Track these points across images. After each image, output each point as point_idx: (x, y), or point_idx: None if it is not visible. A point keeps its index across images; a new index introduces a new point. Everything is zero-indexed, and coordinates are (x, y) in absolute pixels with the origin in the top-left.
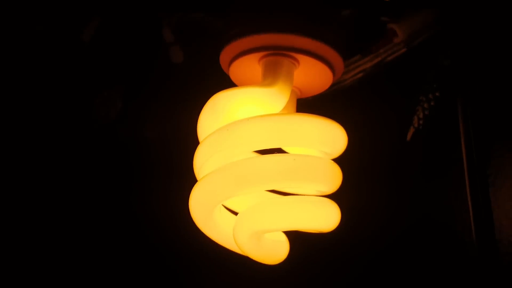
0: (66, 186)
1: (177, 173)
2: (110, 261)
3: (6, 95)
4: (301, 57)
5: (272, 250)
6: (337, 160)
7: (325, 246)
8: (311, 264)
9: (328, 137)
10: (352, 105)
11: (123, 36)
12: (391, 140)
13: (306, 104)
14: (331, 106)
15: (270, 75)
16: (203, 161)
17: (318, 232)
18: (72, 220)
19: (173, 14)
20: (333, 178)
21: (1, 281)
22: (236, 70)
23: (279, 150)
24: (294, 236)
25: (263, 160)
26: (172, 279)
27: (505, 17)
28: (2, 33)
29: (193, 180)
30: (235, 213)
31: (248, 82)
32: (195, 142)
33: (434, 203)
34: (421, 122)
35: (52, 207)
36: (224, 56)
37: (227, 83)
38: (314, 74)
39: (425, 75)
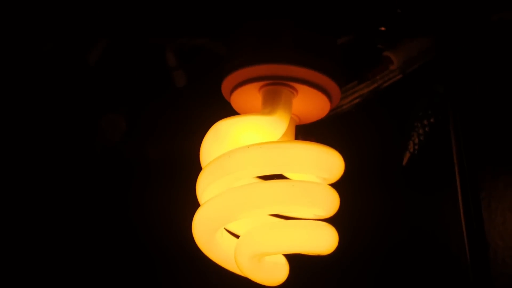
0: (70, 209)
1: (179, 194)
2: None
3: (10, 114)
4: (299, 86)
5: (272, 272)
6: (335, 184)
7: (322, 266)
8: (309, 285)
9: (325, 164)
10: (349, 129)
11: (128, 59)
12: (387, 163)
13: (304, 129)
14: (329, 131)
15: (269, 104)
16: (206, 186)
17: (316, 254)
18: (77, 245)
19: (177, 39)
20: (331, 203)
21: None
22: (237, 99)
23: (280, 176)
24: (292, 258)
25: (263, 186)
26: None
27: (499, 45)
28: (9, 52)
29: (195, 199)
30: (237, 236)
31: (249, 110)
32: (197, 163)
33: (429, 225)
34: (416, 147)
35: (57, 234)
36: (226, 85)
37: (229, 108)
38: (312, 102)
39: (420, 102)
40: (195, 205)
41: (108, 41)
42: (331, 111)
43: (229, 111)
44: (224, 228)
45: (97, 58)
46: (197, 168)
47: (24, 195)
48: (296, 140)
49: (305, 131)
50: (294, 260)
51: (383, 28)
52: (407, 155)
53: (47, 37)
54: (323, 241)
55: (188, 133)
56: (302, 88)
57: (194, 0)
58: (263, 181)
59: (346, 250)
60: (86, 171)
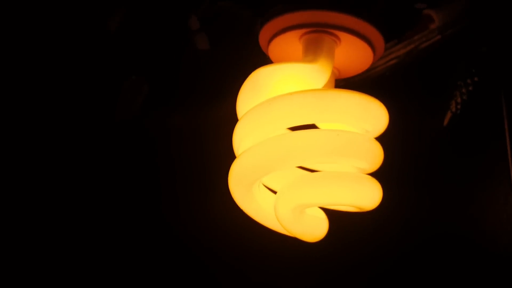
0: (90, 181)
1: (208, 165)
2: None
3: (32, 85)
4: (342, 35)
5: (313, 227)
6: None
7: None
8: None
9: (370, 115)
10: (384, 93)
11: (150, 24)
12: (428, 127)
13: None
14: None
15: (311, 52)
16: (243, 136)
17: (359, 210)
18: (101, 212)
19: (201, 2)
20: (376, 156)
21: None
22: (276, 48)
23: (314, 128)
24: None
25: (306, 134)
26: (202, 278)
27: None
28: (31, 23)
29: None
30: (274, 193)
31: (287, 60)
32: (226, 132)
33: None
34: (459, 107)
35: (76, 202)
36: (265, 34)
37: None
38: (354, 53)
39: (463, 61)
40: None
41: (129, 7)
42: (366, 71)
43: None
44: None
45: (118, 24)
46: (227, 134)
47: (47, 165)
48: (339, 89)
49: None
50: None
51: None
52: (449, 114)
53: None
54: (367, 195)
55: (216, 98)
56: (345, 37)
57: None
58: (305, 130)
59: (378, 223)
60: (109, 142)
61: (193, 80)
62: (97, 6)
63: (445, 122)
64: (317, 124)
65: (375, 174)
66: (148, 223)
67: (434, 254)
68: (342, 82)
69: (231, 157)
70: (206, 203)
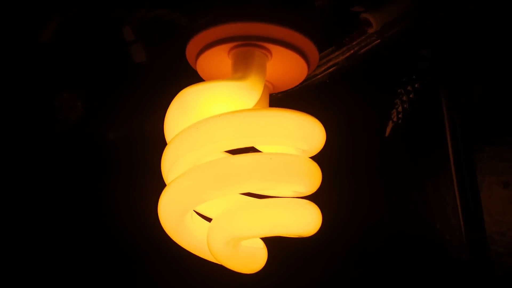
0: (29, 191)
1: (144, 177)
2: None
3: None
4: (273, 48)
5: (249, 258)
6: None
7: (304, 251)
8: (289, 271)
9: (306, 133)
10: (324, 102)
11: (84, 35)
12: (369, 138)
13: (275, 102)
14: (301, 104)
15: (241, 68)
16: (172, 163)
17: (298, 236)
18: (38, 224)
19: (135, 12)
20: (313, 178)
21: None
22: (204, 64)
23: (253, 150)
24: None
25: (238, 159)
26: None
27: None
28: None
29: (161, 184)
30: (208, 219)
31: (216, 77)
32: (162, 143)
33: (417, 196)
34: (400, 116)
35: (16, 211)
36: (191, 49)
37: (195, 80)
38: (287, 66)
39: (403, 67)
40: (162, 187)
41: (62, 16)
42: (305, 80)
43: (195, 81)
44: (194, 211)
45: (50, 34)
46: (163, 145)
47: None
48: (272, 108)
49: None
50: (273, 244)
51: None
52: (390, 124)
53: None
54: (306, 221)
55: (151, 111)
56: (276, 50)
57: None
58: (237, 155)
59: (329, 232)
60: (46, 153)
61: (127, 93)
62: (29, 16)
63: (387, 132)
64: (256, 147)
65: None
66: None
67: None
68: (280, 94)
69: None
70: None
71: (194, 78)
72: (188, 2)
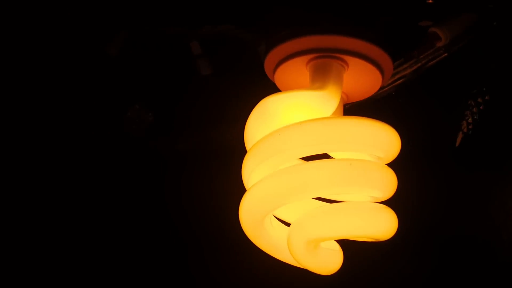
0: (99, 199)
1: (219, 185)
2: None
3: (36, 110)
4: (350, 59)
5: (327, 260)
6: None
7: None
8: (362, 274)
9: (382, 141)
10: (393, 113)
11: (153, 50)
12: (440, 147)
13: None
14: (369, 115)
15: (319, 78)
16: (253, 169)
17: (374, 240)
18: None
19: (202, 27)
20: (389, 184)
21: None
22: (282, 76)
23: (326, 157)
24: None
25: (318, 165)
26: None
27: None
28: (32, 50)
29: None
30: (286, 224)
31: (294, 87)
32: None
33: (484, 208)
34: (470, 127)
35: (86, 221)
36: (270, 61)
37: (263, 92)
38: (363, 77)
39: (473, 79)
40: (239, 195)
41: (130, 32)
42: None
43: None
44: (273, 216)
45: (117, 49)
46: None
47: (52, 189)
48: (349, 116)
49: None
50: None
51: (430, 1)
52: (460, 135)
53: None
54: (382, 225)
55: (219, 123)
56: (353, 61)
57: None
58: (317, 161)
59: (403, 236)
60: (117, 167)
61: (197, 106)
62: (97, 32)
63: (457, 143)
64: (329, 153)
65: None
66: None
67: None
68: (348, 105)
69: (240, 187)
70: (215, 234)
71: (262, 90)
72: (251, 19)
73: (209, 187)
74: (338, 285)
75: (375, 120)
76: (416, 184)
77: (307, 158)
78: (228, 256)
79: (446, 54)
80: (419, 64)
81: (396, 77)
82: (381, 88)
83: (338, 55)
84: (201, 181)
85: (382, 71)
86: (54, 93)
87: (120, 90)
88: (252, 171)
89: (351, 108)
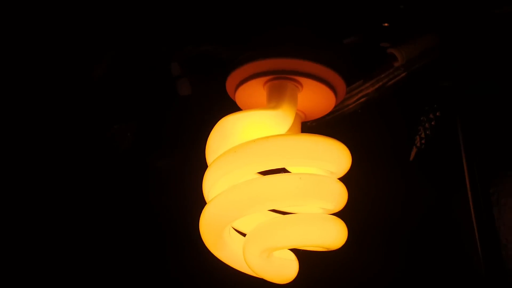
0: (79, 217)
1: (189, 199)
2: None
3: (18, 131)
4: (304, 80)
5: (282, 269)
6: (344, 180)
7: (331, 263)
8: (319, 283)
9: (333, 156)
10: (356, 129)
11: (132, 71)
12: (394, 162)
13: (309, 130)
14: (335, 131)
15: (274, 99)
16: (212, 183)
17: (326, 249)
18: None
19: (182, 48)
20: (339, 196)
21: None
22: (242, 95)
23: (284, 171)
24: (301, 256)
25: (270, 179)
26: None
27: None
28: (17, 72)
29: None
30: (244, 235)
31: (253, 107)
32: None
33: (439, 223)
34: (423, 141)
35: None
36: (231, 82)
37: (233, 110)
38: (317, 97)
39: (425, 96)
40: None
41: (113, 53)
42: (337, 110)
43: (234, 110)
44: (232, 227)
45: (103, 71)
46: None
47: (36, 209)
48: (302, 133)
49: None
50: (303, 258)
51: (386, 24)
52: (414, 150)
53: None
54: (332, 235)
55: (195, 140)
56: (306, 82)
57: (197, 8)
58: (270, 175)
59: (354, 245)
60: (96, 180)
61: (174, 125)
62: (80, 55)
63: (411, 157)
64: (287, 168)
65: (342, 213)
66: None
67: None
68: (315, 122)
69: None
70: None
71: (233, 108)
72: (230, 39)
73: (176, 200)
74: None
75: (324, 136)
76: (370, 197)
77: (267, 173)
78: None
79: (405, 73)
80: (380, 83)
81: (360, 95)
82: (344, 106)
83: (292, 76)
84: (173, 194)
85: (335, 91)
86: (36, 111)
87: (102, 110)
88: (211, 186)
89: (317, 126)
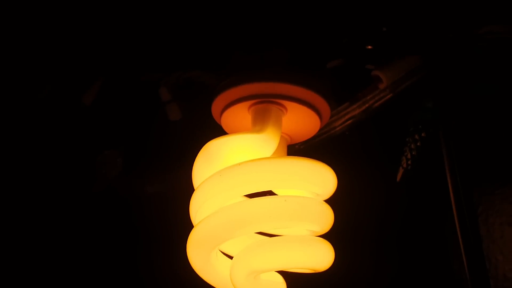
0: (69, 245)
1: (177, 225)
2: None
3: (8, 157)
4: (288, 104)
5: None
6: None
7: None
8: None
9: (318, 178)
10: (343, 151)
11: (123, 97)
12: (382, 183)
13: (297, 153)
14: (323, 153)
15: (259, 122)
16: (199, 207)
17: (313, 271)
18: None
19: (171, 74)
20: (325, 218)
21: None
22: (227, 119)
23: (270, 194)
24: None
25: (256, 202)
26: None
27: (485, 61)
28: (5, 96)
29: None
30: (231, 258)
31: (239, 130)
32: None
33: (427, 244)
34: (409, 162)
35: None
36: (216, 106)
37: (220, 134)
38: (301, 120)
39: (410, 117)
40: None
41: (103, 80)
42: (325, 132)
43: (221, 134)
44: (220, 250)
45: (93, 98)
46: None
47: (28, 234)
48: (287, 156)
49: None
50: (290, 280)
51: (369, 47)
52: (401, 170)
53: (42, 81)
54: (319, 256)
55: (184, 163)
56: (291, 106)
57: (184, 33)
58: (255, 198)
59: (342, 267)
60: (85, 210)
61: (163, 149)
62: (71, 79)
63: (398, 178)
64: (274, 191)
65: (329, 235)
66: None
67: None
68: (303, 145)
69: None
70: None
71: (220, 132)
72: (217, 64)
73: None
74: None
75: (310, 159)
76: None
77: (254, 195)
78: None
79: (391, 95)
80: (367, 105)
81: (347, 117)
82: (331, 128)
83: (276, 100)
84: (160, 219)
85: (319, 114)
86: (26, 140)
87: (90, 136)
88: (198, 209)
89: (305, 149)
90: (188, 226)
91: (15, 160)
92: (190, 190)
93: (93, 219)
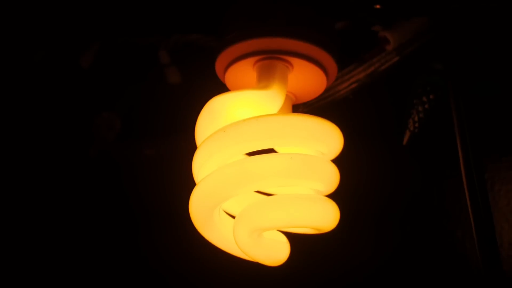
0: (68, 211)
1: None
2: None
3: (5, 121)
4: (294, 60)
5: (273, 251)
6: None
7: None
8: (312, 266)
9: (324, 137)
10: (347, 114)
11: (122, 59)
12: (388, 147)
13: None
14: (325, 115)
15: (264, 78)
16: (201, 164)
17: (317, 231)
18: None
19: (170, 36)
20: (331, 177)
21: None
22: (231, 77)
23: (273, 152)
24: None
25: (261, 158)
26: None
27: (495, 21)
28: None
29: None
30: (234, 217)
31: (243, 88)
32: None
33: (433, 210)
34: (416, 125)
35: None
36: (220, 63)
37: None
38: (308, 78)
39: (418, 79)
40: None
41: (101, 43)
42: (328, 95)
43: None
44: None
45: (91, 61)
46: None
47: (20, 198)
48: (293, 113)
49: None
50: (294, 241)
51: (378, 6)
52: (407, 133)
53: (39, 44)
54: (324, 216)
55: (184, 128)
56: (297, 62)
57: None
58: (260, 155)
59: (345, 230)
60: (83, 173)
61: (162, 112)
62: (68, 42)
63: (404, 141)
64: (275, 148)
65: (334, 196)
66: (117, 249)
67: (402, 272)
68: (307, 108)
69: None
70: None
71: (223, 91)
72: (217, 23)
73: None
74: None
75: (317, 117)
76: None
77: (255, 153)
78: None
79: (398, 57)
80: (372, 68)
81: (351, 80)
82: (337, 90)
83: (282, 56)
84: (162, 180)
85: (326, 72)
86: (25, 101)
87: (89, 98)
88: (200, 167)
89: (309, 111)
90: (189, 189)
91: (11, 123)
92: (191, 151)
93: (90, 186)
